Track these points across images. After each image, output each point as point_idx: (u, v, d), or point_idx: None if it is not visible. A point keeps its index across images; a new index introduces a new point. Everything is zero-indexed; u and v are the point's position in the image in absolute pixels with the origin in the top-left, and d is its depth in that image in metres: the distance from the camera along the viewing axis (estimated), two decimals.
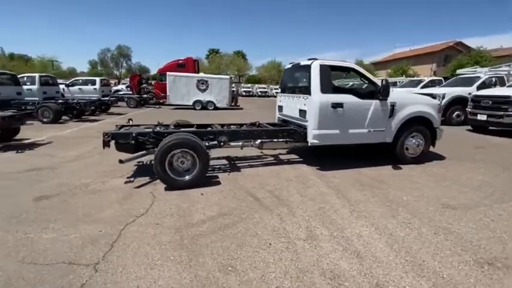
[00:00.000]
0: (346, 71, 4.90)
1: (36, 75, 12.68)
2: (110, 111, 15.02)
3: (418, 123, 4.99)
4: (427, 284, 2.02)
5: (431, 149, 5.67)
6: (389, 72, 36.39)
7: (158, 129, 4.52)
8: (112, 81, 41.08)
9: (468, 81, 10.95)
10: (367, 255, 2.36)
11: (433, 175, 4.51)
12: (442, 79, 13.65)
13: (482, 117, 8.34)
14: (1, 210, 3.13)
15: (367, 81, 4.85)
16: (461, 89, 10.39)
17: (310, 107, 4.52)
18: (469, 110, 8.86)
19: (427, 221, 2.97)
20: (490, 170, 4.74)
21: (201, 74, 19.24)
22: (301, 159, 5.53)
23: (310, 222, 2.94)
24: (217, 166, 4.98)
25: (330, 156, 5.69)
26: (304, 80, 4.87)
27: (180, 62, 20.52)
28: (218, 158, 5.48)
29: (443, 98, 10.18)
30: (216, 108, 17.62)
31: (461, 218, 3.02)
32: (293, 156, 5.77)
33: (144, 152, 4.13)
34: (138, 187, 3.93)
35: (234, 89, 41.04)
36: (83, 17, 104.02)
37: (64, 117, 11.12)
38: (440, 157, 5.64)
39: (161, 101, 19.42)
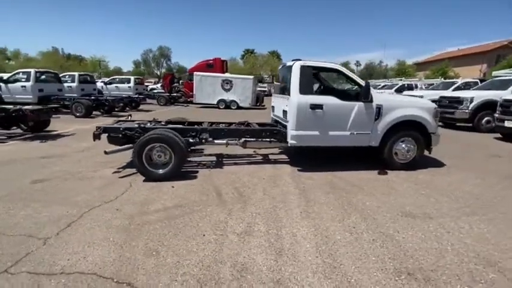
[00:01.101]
0: (330, 71, 4.83)
1: (76, 74, 14.11)
2: (140, 108, 16.16)
3: (409, 128, 4.75)
4: (328, 285, 2.03)
5: (434, 156, 5.39)
6: (427, 73, 33.83)
7: (149, 125, 4.89)
8: (152, 80, 43.89)
9: (505, 84, 9.89)
10: (288, 253, 2.41)
11: (417, 182, 4.27)
12: (479, 81, 12.46)
13: (510, 123, 7.53)
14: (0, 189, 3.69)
15: (353, 83, 4.73)
16: (493, 93, 9.42)
17: (289, 108, 4.56)
18: (497, 115, 8.05)
19: (374, 227, 2.89)
20: (486, 181, 4.35)
21: (227, 74, 19.75)
22: (287, 160, 5.56)
23: (255, 219, 3.03)
24: (204, 162, 5.23)
25: (321, 158, 5.64)
26: (288, 80, 4.90)
27: (209, 62, 21.26)
28: (210, 155, 5.73)
29: (471, 102, 9.36)
30: (239, 107, 18.00)
31: (413, 227, 2.89)
32: (282, 157, 5.81)
33: (130, 145, 4.50)
34: (122, 177, 4.32)
35: (266, 88, 41.40)
36: (131, 17, 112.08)
37: (96, 113, 12.28)
38: (439, 164, 5.28)
39: (189, 100, 20.32)
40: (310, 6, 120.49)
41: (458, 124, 10.36)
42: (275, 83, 49.54)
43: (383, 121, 4.63)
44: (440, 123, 11.22)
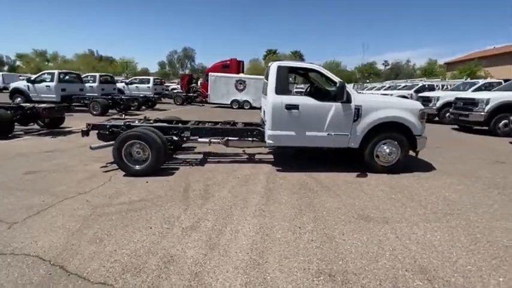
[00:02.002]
0: (307, 71, 4.80)
1: (97, 74, 15.02)
2: (156, 107, 16.86)
3: (392, 130, 4.59)
4: (242, 280, 2.09)
5: (429, 159, 5.19)
6: (454, 73, 31.76)
7: (136, 122, 5.15)
8: (176, 81, 45.33)
9: None
10: (221, 249, 2.49)
11: (393, 186, 4.13)
12: (503, 81, 11.57)
13: None
14: None
15: (332, 83, 4.67)
16: None
17: (266, 108, 4.60)
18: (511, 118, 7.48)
19: (321, 228, 2.88)
20: (469, 188, 4.11)
21: (241, 75, 19.99)
22: (272, 160, 5.59)
23: (208, 215, 3.13)
24: (190, 160, 5.41)
25: (308, 159, 5.62)
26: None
27: (225, 63, 21.64)
28: (198, 153, 5.92)
29: (486, 104, 8.76)
30: (252, 107, 18.15)
31: (362, 231, 2.84)
32: (269, 157, 5.85)
33: (113, 141, 4.78)
34: (106, 171, 4.60)
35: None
36: (158, 20, 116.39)
37: (113, 111, 13.00)
38: (429, 168, 5.05)
39: (205, 100, 20.82)
40: (338, 5, 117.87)
41: (475, 127, 9.76)
42: (296, 85, 49.58)
43: (362, 122, 4.52)
44: (455, 126, 10.67)
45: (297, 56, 59.55)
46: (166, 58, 62.28)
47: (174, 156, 5.61)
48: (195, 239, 2.65)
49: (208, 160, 5.45)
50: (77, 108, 13.01)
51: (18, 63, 55.18)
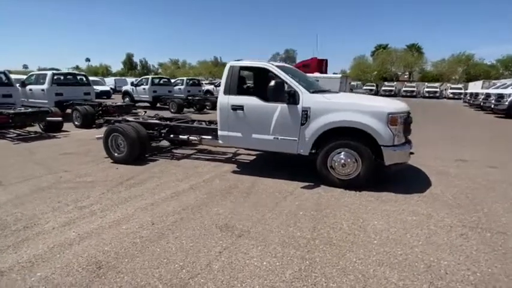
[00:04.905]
0: (259, 71, 4.47)
1: (185, 78, 17.61)
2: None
3: (352, 137, 3.81)
4: (92, 225, 2.46)
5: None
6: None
7: (131, 118, 6.13)
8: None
9: None
10: (93, 220, 2.91)
11: (320, 204, 3.46)
12: None
13: None
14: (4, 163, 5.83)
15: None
16: None
17: (217, 108, 4.64)
18: None
19: (161, 226, 2.88)
20: (425, 209, 2.99)
21: (316, 74, 19.18)
22: (247, 161, 5.51)
23: (104, 199, 3.58)
24: (178, 153, 6.00)
25: (293, 165, 5.23)
26: None
27: (306, 62, 21.27)
28: (194, 149, 6.44)
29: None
30: None
31: (212, 240, 2.67)
32: (246, 158, 5.75)
33: None
34: (106, 157, 5.72)
35: (393, 88, 36.43)
36: (265, 23, 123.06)
37: (190, 110, 15.09)
38: (415, 188, 3.87)
39: None
40: None
41: None
42: (406, 83, 42.62)
43: (311, 126, 3.95)
44: None
45: (414, 49, 51.37)
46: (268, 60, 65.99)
47: (172, 150, 6.33)
48: (68, 211, 3.19)
49: (192, 156, 5.88)
50: (160, 106, 15.66)
51: (160, 70, 70.37)
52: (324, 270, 2.21)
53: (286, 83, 4.14)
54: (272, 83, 3.96)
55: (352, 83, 36.01)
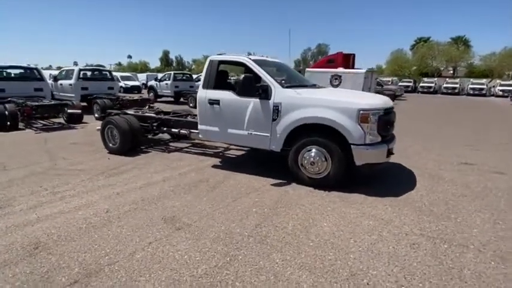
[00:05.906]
0: (237, 65, 4.40)
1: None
2: None
3: (321, 134, 3.63)
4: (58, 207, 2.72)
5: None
6: None
7: (130, 111, 6.42)
8: None
9: None
10: (63, 204, 3.17)
11: (279, 201, 3.36)
12: None
13: None
14: (13, 151, 6.37)
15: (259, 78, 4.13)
16: None
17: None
18: None
19: (118, 213, 2.99)
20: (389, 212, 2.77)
21: (339, 69, 18.43)
22: (233, 156, 5.51)
23: (83, 186, 3.83)
24: (172, 147, 6.19)
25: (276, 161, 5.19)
26: None
27: (330, 57, 20.54)
28: (190, 143, 6.59)
29: None
30: None
31: (137, 227, 2.75)
32: (234, 153, 5.74)
33: None
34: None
35: (433, 84, 33.78)
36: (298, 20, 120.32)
37: None
38: (386, 191, 3.59)
39: None
40: None
41: None
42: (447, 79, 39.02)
43: (282, 122, 3.84)
44: None
45: (460, 42, 47.01)
46: (300, 55, 64.73)
47: (169, 143, 6.54)
48: (44, 194, 3.47)
49: (184, 150, 6.02)
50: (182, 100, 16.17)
51: (193, 66, 72.47)
52: (239, 268, 2.16)
53: (260, 77, 4.06)
54: (242, 77, 3.91)
55: (385, 79, 34.01)
